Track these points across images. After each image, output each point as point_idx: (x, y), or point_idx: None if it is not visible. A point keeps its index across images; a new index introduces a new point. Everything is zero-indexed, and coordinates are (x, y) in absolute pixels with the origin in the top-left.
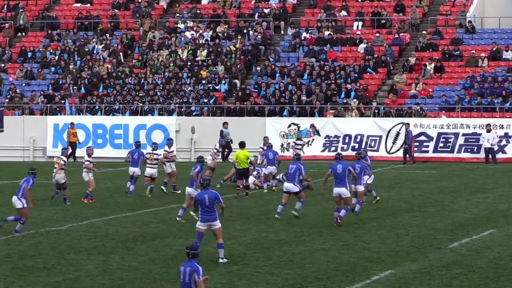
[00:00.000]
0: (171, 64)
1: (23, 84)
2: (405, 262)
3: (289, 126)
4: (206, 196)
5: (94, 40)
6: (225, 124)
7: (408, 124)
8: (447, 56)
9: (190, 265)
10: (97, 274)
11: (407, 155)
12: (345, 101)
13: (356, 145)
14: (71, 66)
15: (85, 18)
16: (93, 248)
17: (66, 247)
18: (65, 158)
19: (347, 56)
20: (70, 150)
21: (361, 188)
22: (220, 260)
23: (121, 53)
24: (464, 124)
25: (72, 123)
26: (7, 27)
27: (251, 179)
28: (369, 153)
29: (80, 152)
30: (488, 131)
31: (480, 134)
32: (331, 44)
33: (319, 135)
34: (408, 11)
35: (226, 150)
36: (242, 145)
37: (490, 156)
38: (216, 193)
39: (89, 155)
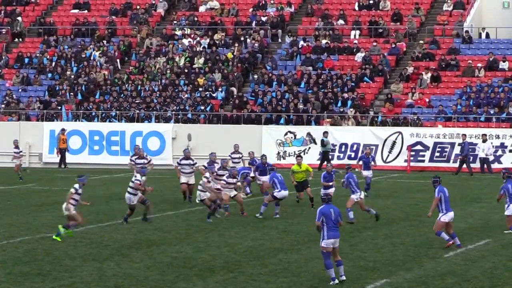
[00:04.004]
0: (168, 71)
1: (20, 90)
2: (400, 271)
3: (286, 134)
4: (332, 210)
5: (91, 46)
6: (325, 133)
7: (464, 135)
8: (443, 65)
9: None
10: (92, 281)
11: (465, 165)
12: (341, 110)
13: (353, 154)
14: (68, 72)
15: (82, 24)
16: (88, 254)
17: (61, 254)
18: None
19: (344, 65)
20: (59, 156)
21: None
22: (342, 278)
23: (118, 60)
24: (461, 134)
25: (63, 129)
26: (3, 32)
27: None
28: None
29: (71, 158)
30: (484, 141)
31: (476, 144)
32: (328, 52)
33: (315, 143)
34: (405, 21)
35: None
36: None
37: (485, 166)
38: (338, 209)
39: (143, 174)
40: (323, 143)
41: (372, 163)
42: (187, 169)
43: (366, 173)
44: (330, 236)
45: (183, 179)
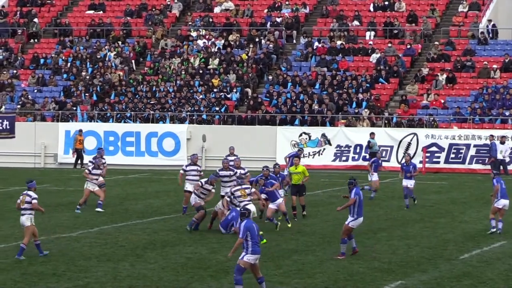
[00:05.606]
0: (183, 72)
1: (35, 91)
2: (415, 273)
3: (300, 135)
4: (254, 225)
5: (106, 47)
6: (372, 134)
7: (492, 136)
8: (459, 67)
9: None
10: (107, 281)
11: (489, 166)
12: (356, 111)
13: (367, 155)
14: (83, 73)
15: (98, 25)
16: (103, 255)
17: (76, 254)
18: None
19: (359, 66)
20: (75, 157)
21: None
22: None
23: (133, 61)
24: (476, 135)
25: (80, 130)
26: (19, 33)
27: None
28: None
29: (86, 159)
30: (502, 143)
31: None
32: (343, 53)
33: (330, 144)
34: (421, 22)
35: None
36: None
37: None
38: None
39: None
40: (369, 145)
41: (412, 171)
42: (194, 175)
43: (406, 182)
44: (255, 251)
45: (189, 187)
